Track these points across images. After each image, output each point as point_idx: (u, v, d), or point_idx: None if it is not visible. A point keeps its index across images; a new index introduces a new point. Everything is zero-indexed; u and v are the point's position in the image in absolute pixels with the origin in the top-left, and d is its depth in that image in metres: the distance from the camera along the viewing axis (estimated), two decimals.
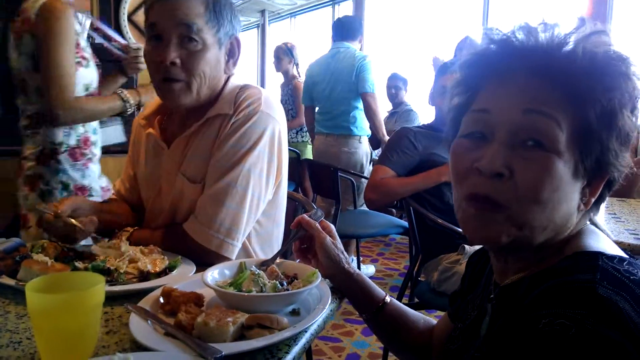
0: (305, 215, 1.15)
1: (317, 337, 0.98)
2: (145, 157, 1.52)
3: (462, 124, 0.77)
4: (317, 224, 1.13)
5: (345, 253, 1.13)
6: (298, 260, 1.16)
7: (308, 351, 1.98)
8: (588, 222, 0.76)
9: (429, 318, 1.12)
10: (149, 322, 0.91)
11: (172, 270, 1.20)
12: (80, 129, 1.98)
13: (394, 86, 5.56)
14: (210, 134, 1.38)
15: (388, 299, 1.10)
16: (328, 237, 1.11)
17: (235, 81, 1.45)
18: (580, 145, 0.69)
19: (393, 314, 1.09)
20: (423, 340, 1.08)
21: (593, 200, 0.72)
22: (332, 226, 1.15)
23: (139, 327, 0.89)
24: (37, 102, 1.89)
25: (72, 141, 1.96)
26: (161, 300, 1.00)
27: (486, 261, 0.91)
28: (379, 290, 1.11)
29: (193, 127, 1.39)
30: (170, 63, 1.29)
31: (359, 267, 3.37)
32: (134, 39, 4.35)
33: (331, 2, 9.54)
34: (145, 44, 1.37)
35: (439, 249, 2.29)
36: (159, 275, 1.17)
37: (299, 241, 1.16)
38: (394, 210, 4.74)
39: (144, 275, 1.16)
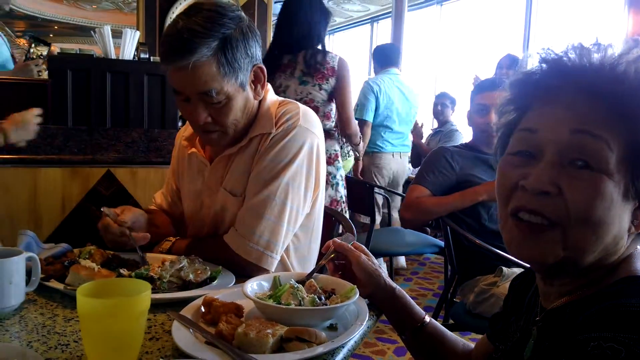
0: (336, 239, 1.15)
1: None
2: (189, 174, 1.55)
3: (510, 142, 0.77)
4: (349, 245, 1.13)
5: (383, 269, 1.13)
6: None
7: None
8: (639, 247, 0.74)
9: (467, 342, 1.10)
10: (190, 330, 0.93)
11: (213, 281, 1.23)
12: None
13: (441, 103, 5.51)
14: (251, 150, 1.41)
15: (428, 318, 1.07)
16: (362, 255, 1.11)
17: (271, 97, 1.47)
18: (630, 166, 0.67)
19: (432, 334, 1.06)
20: None
21: None
22: (364, 247, 1.15)
23: (181, 334, 0.91)
24: None
25: None
26: (202, 309, 1.02)
27: (530, 283, 0.90)
28: (419, 309, 1.09)
29: (235, 148, 1.41)
30: (202, 123, 1.32)
31: None
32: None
33: (370, 20, 9.61)
34: (176, 99, 1.37)
35: (475, 270, 2.26)
36: (200, 285, 1.20)
37: (333, 265, 1.15)
38: (428, 229, 4.70)
39: (186, 285, 1.19)
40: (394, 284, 1.10)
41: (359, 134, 3.16)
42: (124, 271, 1.21)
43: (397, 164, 4.48)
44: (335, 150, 2.99)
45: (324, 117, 2.85)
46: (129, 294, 0.85)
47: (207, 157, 1.50)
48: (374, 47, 7.23)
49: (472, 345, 1.09)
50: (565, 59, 0.73)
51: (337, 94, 2.82)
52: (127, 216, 1.39)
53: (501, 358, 0.84)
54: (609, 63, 0.70)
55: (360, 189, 3.61)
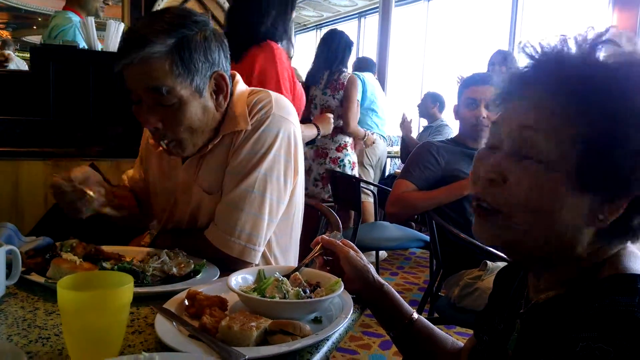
0: (324, 236, 1.15)
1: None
2: (159, 171, 1.51)
3: None
4: (337, 241, 1.13)
5: (371, 265, 1.13)
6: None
7: None
8: (629, 245, 0.73)
9: (456, 340, 1.10)
10: (174, 323, 0.92)
11: (197, 274, 1.22)
12: None
13: (427, 105, 5.66)
14: (224, 146, 1.37)
15: (415, 315, 1.07)
16: (351, 250, 1.11)
17: (240, 89, 1.41)
18: (583, 161, 0.67)
19: (421, 331, 1.06)
20: None
21: (613, 218, 0.69)
22: (352, 244, 1.15)
23: (164, 328, 0.90)
24: None
25: None
26: (186, 302, 1.01)
27: (514, 275, 0.90)
28: (407, 306, 1.08)
29: (209, 147, 1.37)
30: (153, 128, 1.27)
31: None
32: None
33: (358, 15, 9.61)
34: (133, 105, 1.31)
35: (460, 264, 2.27)
36: (183, 278, 1.19)
37: (322, 260, 1.16)
38: (413, 223, 4.73)
39: (169, 278, 1.18)
40: (382, 281, 1.10)
41: (358, 132, 4.12)
42: (106, 264, 1.19)
43: (383, 146, 4.91)
44: (345, 140, 4.05)
45: (338, 117, 3.91)
46: (111, 287, 0.84)
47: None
48: (361, 42, 7.26)
49: (462, 343, 1.09)
50: (534, 54, 0.75)
51: (343, 103, 3.95)
52: (77, 172, 1.34)
53: (485, 350, 0.85)
54: (575, 57, 0.71)
55: (347, 183, 3.62)
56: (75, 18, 3.18)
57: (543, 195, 0.69)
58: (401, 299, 1.09)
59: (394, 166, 6.42)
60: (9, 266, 1.10)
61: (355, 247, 1.15)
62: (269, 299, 0.98)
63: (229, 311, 1.00)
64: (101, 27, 2.74)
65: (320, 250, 1.15)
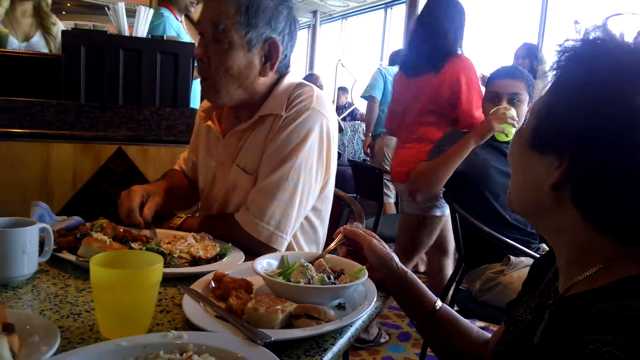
0: (346, 226, 1.16)
1: None
2: (204, 147, 1.59)
3: None
4: (360, 230, 1.14)
5: (394, 253, 1.13)
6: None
7: (345, 351, 1.99)
8: None
9: (482, 330, 1.09)
10: (200, 304, 0.94)
11: (222, 258, 1.24)
12: None
13: None
14: (264, 129, 1.42)
15: (439, 303, 1.07)
16: (374, 239, 1.12)
17: (291, 79, 1.48)
18: (535, 129, 0.78)
19: (445, 319, 1.06)
20: (477, 351, 1.05)
21: (554, 180, 0.73)
22: (374, 234, 1.15)
23: (191, 308, 0.92)
24: None
25: None
26: (212, 284, 1.03)
27: (548, 266, 0.90)
28: (431, 294, 1.09)
29: (246, 124, 1.44)
30: (199, 59, 1.38)
31: None
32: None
33: (384, 5, 9.52)
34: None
35: (483, 258, 2.26)
36: (209, 261, 1.21)
37: (345, 249, 1.16)
38: None
39: (195, 260, 1.20)
40: (405, 268, 1.10)
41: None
42: (135, 245, 1.22)
43: None
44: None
45: None
46: (142, 266, 0.86)
47: (221, 131, 1.52)
48: (387, 33, 7.21)
49: (487, 334, 1.08)
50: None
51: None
52: (150, 213, 1.41)
53: (512, 341, 0.84)
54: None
55: (369, 173, 3.61)
56: (167, 13, 3.41)
57: (515, 153, 0.82)
58: (424, 287, 1.10)
59: None
60: (42, 244, 1.13)
61: (377, 236, 1.15)
62: (294, 284, 0.99)
63: (254, 294, 1.01)
64: (130, 13, 2.77)
65: (343, 239, 1.15)
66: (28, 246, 1.06)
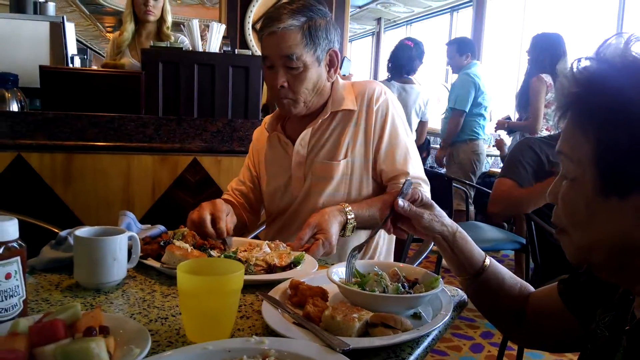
0: (398, 201, 1.05)
1: None
2: (272, 155, 1.74)
3: None
4: (411, 206, 1.05)
5: (445, 217, 1.07)
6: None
7: None
8: None
9: (527, 284, 1.09)
10: (279, 310, 0.97)
11: (297, 265, 1.27)
12: None
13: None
14: (340, 125, 1.64)
15: (488, 261, 1.06)
16: (425, 214, 1.05)
17: (341, 81, 1.69)
18: (601, 168, 0.71)
19: (491, 277, 1.05)
20: (517, 306, 1.05)
21: None
22: (423, 194, 1.09)
23: (270, 314, 0.95)
24: None
25: None
26: (289, 292, 1.06)
27: None
28: (480, 252, 1.06)
29: (316, 123, 1.63)
30: (280, 87, 1.55)
31: None
32: (257, 47, 4.60)
33: (450, 9, 9.37)
34: (264, 69, 1.62)
35: (560, 268, 2.17)
36: (284, 268, 1.24)
37: (389, 225, 1.09)
38: (505, 224, 4.57)
39: (271, 268, 1.24)
40: (455, 227, 1.06)
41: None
42: (213, 253, 1.28)
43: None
44: None
45: None
46: (224, 273, 0.90)
47: (289, 138, 1.70)
48: (453, 37, 7.08)
49: (530, 287, 1.08)
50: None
51: None
52: (225, 230, 1.45)
53: (590, 358, 0.81)
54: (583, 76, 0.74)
55: (438, 182, 3.56)
56: None
57: (579, 207, 0.75)
58: (474, 245, 1.07)
59: (486, 165, 6.22)
60: (130, 251, 1.20)
61: (425, 198, 1.08)
62: (369, 292, 1.00)
63: (329, 302, 1.03)
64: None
65: (390, 213, 1.07)
66: (118, 253, 1.13)
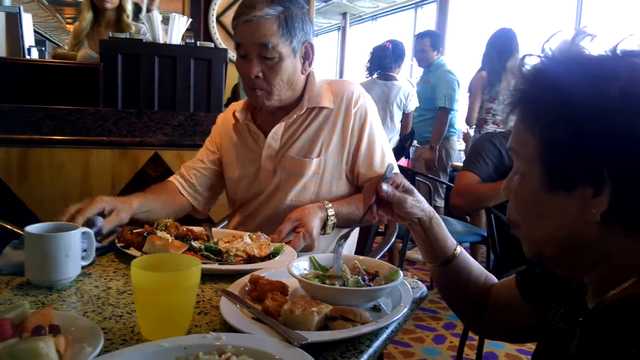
0: (382, 187, 1.03)
1: None
2: (240, 144, 1.70)
3: None
4: (394, 192, 1.04)
5: (424, 202, 1.07)
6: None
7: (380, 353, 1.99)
8: None
9: (492, 276, 1.10)
10: (237, 306, 0.96)
11: (276, 256, 1.29)
12: None
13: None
14: (316, 122, 1.62)
15: (459, 249, 1.07)
16: (408, 199, 1.04)
17: (318, 76, 1.67)
18: (546, 164, 0.72)
19: (460, 266, 1.06)
20: (481, 297, 1.07)
21: (602, 209, 0.68)
22: (403, 178, 1.09)
23: (228, 310, 0.94)
24: None
25: None
26: (248, 286, 1.05)
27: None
28: (452, 241, 1.07)
29: (293, 117, 1.61)
30: (254, 77, 1.51)
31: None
32: (221, 40, 4.54)
33: (414, 5, 9.45)
34: (236, 58, 1.58)
35: (519, 259, 2.22)
36: (263, 259, 1.26)
37: (374, 211, 1.07)
38: (467, 217, 4.64)
39: (250, 258, 1.26)
40: (432, 213, 1.06)
41: None
42: (195, 243, 1.29)
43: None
44: None
45: None
46: (180, 269, 0.88)
47: (259, 129, 1.67)
48: (416, 32, 7.16)
49: (495, 279, 1.10)
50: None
51: None
52: (108, 227, 1.39)
53: (548, 353, 0.83)
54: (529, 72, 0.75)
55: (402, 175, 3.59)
56: None
57: (528, 202, 0.77)
58: (447, 232, 1.08)
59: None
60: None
61: (407, 183, 1.07)
62: (329, 286, 1.00)
63: (289, 296, 1.02)
64: (165, 20, 2.84)
65: (375, 198, 1.05)
66: (71, 250, 1.09)
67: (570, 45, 0.72)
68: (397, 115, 4.47)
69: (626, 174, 0.67)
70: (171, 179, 1.74)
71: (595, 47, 0.71)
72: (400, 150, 4.55)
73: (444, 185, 4.45)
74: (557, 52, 0.73)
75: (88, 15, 3.22)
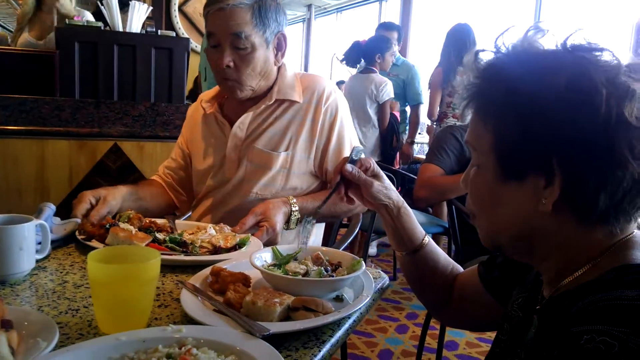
0: (347, 167, 1.04)
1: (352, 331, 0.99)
2: (207, 134, 1.68)
3: None
4: (360, 173, 1.04)
5: (393, 190, 1.07)
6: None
7: (342, 344, 2.00)
8: (637, 233, 0.73)
9: (458, 266, 1.12)
10: (199, 298, 0.94)
11: (242, 247, 1.28)
12: None
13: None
14: (286, 115, 1.59)
15: (427, 239, 1.08)
16: (375, 183, 1.04)
17: (290, 68, 1.65)
18: (499, 156, 0.75)
19: (428, 255, 1.08)
20: (447, 286, 1.08)
21: (554, 199, 0.70)
22: (372, 161, 1.08)
23: (189, 302, 0.92)
24: None
25: None
26: (210, 278, 1.03)
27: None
28: (421, 230, 1.09)
29: (261, 108, 1.59)
30: (225, 66, 1.49)
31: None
32: (183, 29, 4.46)
33: None
34: (207, 48, 1.55)
35: (478, 250, 2.26)
36: (229, 250, 1.25)
37: (341, 191, 1.07)
38: (430, 209, 4.70)
39: (216, 250, 1.25)
40: (400, 201, 1.07)
41: None
42: (159, 235, 1.27)
43: None
44: None
45: None
46: (139, 261, 0.86)
47: (226, 118, 1.65)
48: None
49: (462, 269, 1.12)
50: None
51: None
52: (97, 215, 1.40)
53: (507, 340, 0.85)
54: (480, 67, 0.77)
55: None
56: None
57: (484, 193, 0.79)
58: (416, 222, 1.09)
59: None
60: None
61: (375, 166, 1.07)
62: (291, 277, 1.00)
63: (251, 288, 1.01)
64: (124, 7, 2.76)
65: (341, 181, 1.05)
66: (25, 243, 1.06)
67: (522, 40, 0.74)
68: (371, 108, 4.41)
69: (574, 163, 0.68)
70: (155, 177, 1.76)
71: (548, 42, 0.73)
72: (386, 154, 4.49)
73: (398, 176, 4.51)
74: (509, 46, 0.75)
75: (30, 0, 3.11)
